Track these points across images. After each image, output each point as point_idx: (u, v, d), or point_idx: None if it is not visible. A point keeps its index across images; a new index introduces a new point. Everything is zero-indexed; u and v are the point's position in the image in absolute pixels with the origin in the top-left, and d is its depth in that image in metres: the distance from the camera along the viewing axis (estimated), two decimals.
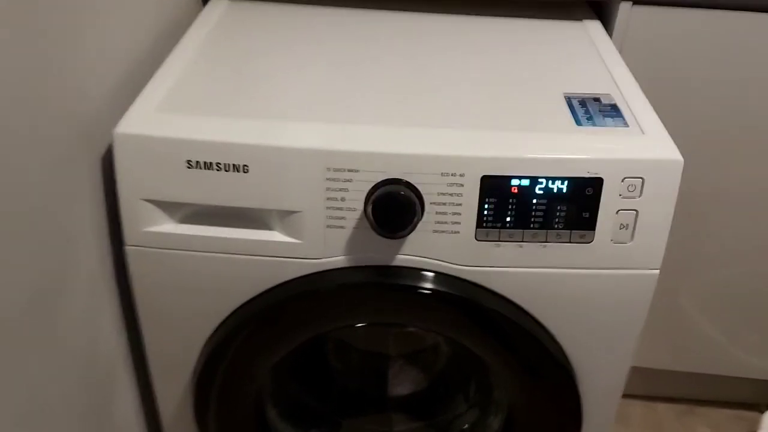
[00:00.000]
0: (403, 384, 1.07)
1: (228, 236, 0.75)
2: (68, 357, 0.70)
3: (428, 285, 0.75)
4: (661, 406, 1.37)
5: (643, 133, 0.73)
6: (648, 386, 1.36)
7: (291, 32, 0.93)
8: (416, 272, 0.75)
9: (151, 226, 0.74)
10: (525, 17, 1.01)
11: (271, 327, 0.78)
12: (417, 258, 0.75)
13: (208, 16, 0.96)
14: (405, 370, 1.04)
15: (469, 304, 0.76)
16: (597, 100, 0.79)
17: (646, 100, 0.80)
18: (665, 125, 0.75)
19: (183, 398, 0.87)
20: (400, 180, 0.70)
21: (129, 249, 0.76)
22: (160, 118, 0.73)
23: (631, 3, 0.97)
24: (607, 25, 0.99)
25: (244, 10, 1.00)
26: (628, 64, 0.88)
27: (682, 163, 0.70)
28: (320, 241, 0.74)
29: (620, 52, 0.92)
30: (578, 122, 0.75)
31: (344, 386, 1.05)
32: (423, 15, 1.00)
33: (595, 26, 0.98)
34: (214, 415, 0.85)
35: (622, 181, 0.70)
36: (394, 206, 0.69)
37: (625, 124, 0.75)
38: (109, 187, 0.76)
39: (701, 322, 1.22)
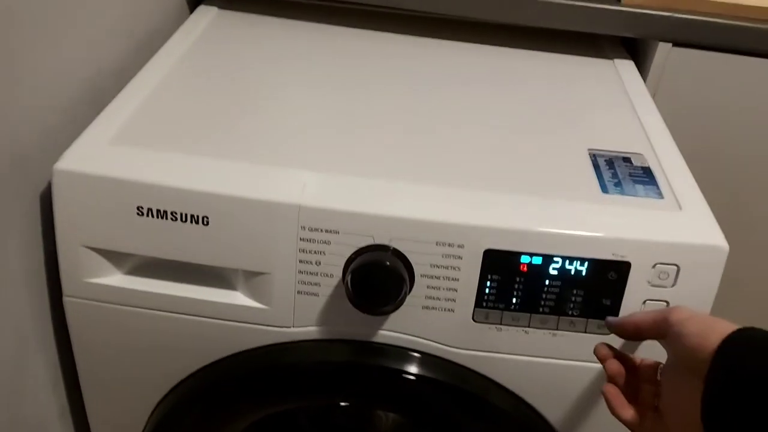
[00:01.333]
0: None
1: (183, 294, 0.63)
2: None
3: (414, 369, 0.63)
4: None
5: (681, 208, 0.62)
6: None
7: (279, 54, 0.82)
8: (401, 352, 0.64)
9: (93, 277, 0.63)
10: (549, 51, 0.89)
11: (229, 401, 0.67)
12: (403, 336, 0.63)
13: (191, 28, 0.85)
14: None
15: (463, 394, 0.64)
16: (627, 160, 0.67)
17: (685, 165, 0.68)
18: (703, 192, 0.64)
19: None
20: (387, 247, 0.59)
21: (68, 300, 0.65)
22: (112, 152, 0.62)
23: (671, 44, 0.85)
24: (641, 67, 0.88)
25: (233, 21, 0.89)
26: (661, 114, 0.76)
27: (727, 251, 0.59)
28: (289, 308, 0.62)
29: (653, 98, 0.81)
30: (604, 189, 0.63)
31: None
32: (432, 41, 0.89)
33: (627, 68, 0.86)
34: None
35: (653, 267, 0.59)
36: (377, 278, 0.58)
37: (660, 195, 0.63)
38: (49, 227, 0.65)
39: None
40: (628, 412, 0.54)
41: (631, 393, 0.56)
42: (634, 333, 0.56)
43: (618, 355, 0.58)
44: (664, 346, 0.53)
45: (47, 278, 0.67)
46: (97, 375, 0.70)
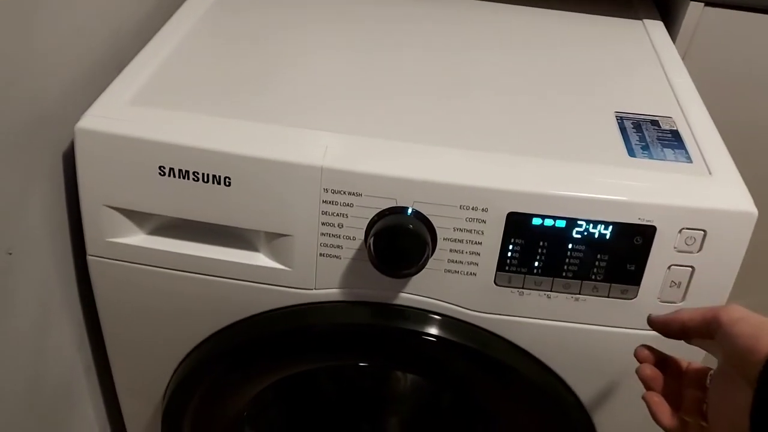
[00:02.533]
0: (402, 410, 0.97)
1: (205, 255, 0.64)
2: (7, 372, 0.60)
3: (435, 331, 0.63)
4: None
5: (710, 173, 0.60)
6: None
7: (303, 15, 0.80)
8: (422, 315, 0.64)
9: (115, 237, 0.64)
10: (577, 11, 0.87)
11: (251, 361, 0.68)
12: (424, 299, 0.63)
13: None
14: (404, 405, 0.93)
15: (483, 357, 0.64)
16: (655, 123, 0.66)
17: (715, 129, 0.66)
18: (733, 157, 0.63)
19: (153, 418, 0.78)
20: (410, 210, 0.58)
21: (91, 259, 0.66)
22: (133, 112, 0.61)
23: (702, 4, 0.82)
24: (671, 28, 0.85)
25: None
26: (691, 76, 0.74)
27: (756, 216, 0.57)
28: (311, 270, 0.62)
29: (683, 59, 0.79)
30: (631, 152, 0.62)
31: (335, 413, 0.94)
32: (457, 1, 0.87)
33: (657, 28, 0.84)
34: None
35: (680, 232, 0.58)
36: (400, 241, 0.58)
37: (688, 159, 0.62)
38: (72, 186, 0.65)
39: None
40: (672, 420, 0.50)
41: (674, 398, 0.51)
42: (680, 332, 0.50)
43: (661, 357, 0.54)
44: (710, 351, 0.49)
45: (71, 237, 0.67)
46: (121, 334, 0.71)
